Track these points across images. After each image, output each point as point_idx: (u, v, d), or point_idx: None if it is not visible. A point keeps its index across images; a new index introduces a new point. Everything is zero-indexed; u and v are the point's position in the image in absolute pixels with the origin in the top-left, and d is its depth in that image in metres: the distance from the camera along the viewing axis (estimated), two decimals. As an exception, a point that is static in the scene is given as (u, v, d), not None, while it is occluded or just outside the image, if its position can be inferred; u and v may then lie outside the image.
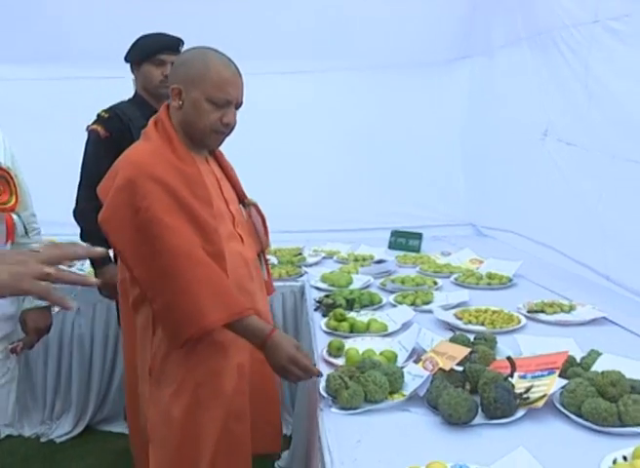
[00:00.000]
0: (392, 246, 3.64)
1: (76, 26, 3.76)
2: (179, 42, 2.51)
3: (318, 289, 2.78)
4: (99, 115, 2.54)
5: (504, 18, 3.44)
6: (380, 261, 3.24)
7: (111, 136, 2.44)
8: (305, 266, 3.24)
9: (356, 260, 3.29)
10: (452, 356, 1.59)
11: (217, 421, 1.65)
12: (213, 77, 1.60)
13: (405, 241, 3.61)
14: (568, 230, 2.94)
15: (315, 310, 2.43)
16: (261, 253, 1.90)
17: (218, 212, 1.67)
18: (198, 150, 1.72)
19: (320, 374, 1.57)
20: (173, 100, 1.66)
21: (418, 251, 3.52)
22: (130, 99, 2.59)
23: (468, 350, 1.60)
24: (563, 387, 1.46)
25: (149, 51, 2.48)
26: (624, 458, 1.22)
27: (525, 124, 3.24)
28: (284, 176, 3.81)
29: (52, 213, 2.55)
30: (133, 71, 2.57)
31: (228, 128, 1.67)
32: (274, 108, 3.72)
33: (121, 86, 2.70)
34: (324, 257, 3.46)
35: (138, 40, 2.54)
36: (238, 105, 1.68)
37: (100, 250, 1.07)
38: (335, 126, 3.96)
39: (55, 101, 3.87)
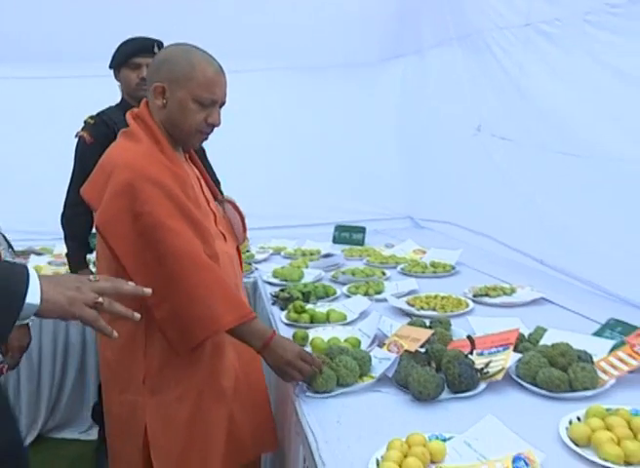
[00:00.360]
0: (336, 240, 3.75)
1: (61, 25, 3.63)
2: (153, 44, 2.52)
3: (271, 284, 2.84)
4: (85, 121, 2.60)
5: (434, 19, 3.60)
6: (327, 255, 3.33)
7: (96, 141, 2.47)
8: (255, 263, 3.29)
9: (304, 255, 3.37)
10: (415, 338, 1.69)
11: (222, 422, 1.67)
12: (199, 77, 1.56)
13: (349, 235, 3.72)
14: (503, 219, 3.13)
15: (273, 304, 2.49)
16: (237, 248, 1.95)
17: (204, 211, 1.68)
18: (178, 151, 1.70)
19: (319, 367, 1.58)
20: (155, 99, 1.61)
21: (362, 244, 3.64)
22: (117, 104, 2.63)
23: (431, 332, 1.72)
24: (518, 360, 1.60)
25: (125, 55, 2.52)
26: (578, 419, 1.35)
27: (458, 120, 3.41)
28: (225, 175, 3.82)
29: (39, 213, 2.52)
30: (116, 77, 2.60)
31: (212, 128, 1.65)
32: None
33: (108, 85, 2.67)
34: (272, 254, 3.51)
35: (118, 46, 2.58)
36: (222, 104, 1.66)
37: (147, 290, 1.11)
38: (276, 125, 4.03)
39: (41, 101, 3.75)
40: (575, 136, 2.44)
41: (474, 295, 2.45)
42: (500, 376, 1.56)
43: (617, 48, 2.20)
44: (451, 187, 3.68)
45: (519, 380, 1.57)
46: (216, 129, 4.08)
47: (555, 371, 1.50)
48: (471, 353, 1.65)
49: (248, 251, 3.52)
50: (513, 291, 2.48)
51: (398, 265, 3.02)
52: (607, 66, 2.24)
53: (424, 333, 1.70)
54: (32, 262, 3.24)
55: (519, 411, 1.47)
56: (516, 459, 1.16)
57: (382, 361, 1.69)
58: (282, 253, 3.50)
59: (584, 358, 1.57)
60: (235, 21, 3.84)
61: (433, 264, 2.95)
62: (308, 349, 1.90)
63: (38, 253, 3.50)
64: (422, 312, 2.26)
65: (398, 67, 4.13)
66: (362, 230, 3.70)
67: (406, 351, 1.66)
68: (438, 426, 1.39)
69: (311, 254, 3.38)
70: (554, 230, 2.67)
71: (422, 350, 1.69)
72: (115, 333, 1.05)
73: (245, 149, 4.02)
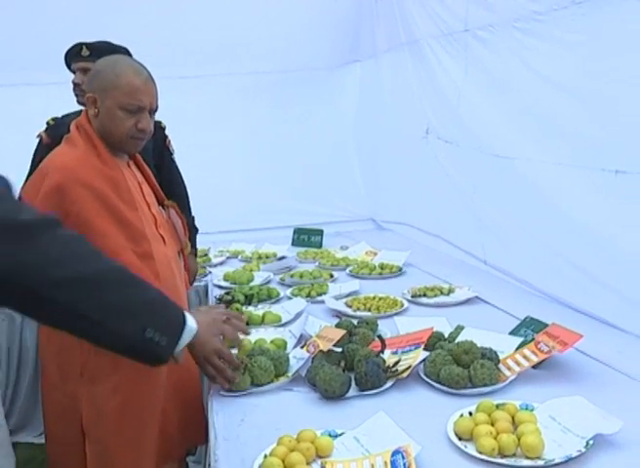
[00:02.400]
0: (295, 243, 3.79)
1: (22, 33, 3.66)
2: (80, 47, 2.55)
3: (221, 287, 2.89)
4: (47, 122, 2.64)
5: (386, 24, 3.66)
6: (281, 258, 3.38)
7: (52, 142, 2.49)
8: (210, 267, 3.34)
9: (260, 258, 3.42)
10: (330, 338, 1.74)
11: (154, 416, 1.71)
12: (123, 85, 1.66)
13: (307, 237, 3.77)
14: (451, 220, 3.19)
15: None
16: (181, 251, 1.99)
17: (142, 214, 1.74)
18: (119, 155, 1.78)
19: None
20: (89, 108, 1.72)
21: (319, 246, 3.69)
22: (84, 109, 2.65)
23: (344, 332, 1.77)
24: (425, 358, 1.65)
25: (66, 63, 2.59)
26: (470, 413, 1.41)
27: (410, 123, 3.47)
28: (187, 179, 3.87)
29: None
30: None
31: (144, 133, 1.72)
32: (173, 112, 3.76)
33: (62, 92, 2.71)
34: (229, 257, 3.56)
35: None
36: (153, 111, 1.74)
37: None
38: (234, 129, 4.07)
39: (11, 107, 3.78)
40: (505, 140, 2.50)
41: (412, 296, 2.50)
42: (405, 374, 1.61)
43: (542, 53, 2.26)
44: (406, 189, 3.74)
45: (424, 377, 1.63)
46: (175, 133, 4.09)
47: (456, 369, 1.56)
48: (382, 352, 1.70)
49: (205, 255, 3.56)
50: (451, 291, 2.53)
51: (348, 267, 3.07)
52: (534, 71, 2.30)
53: (338, 333, 1.75)
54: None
55: (421, 407, 1.53)
56: (395, 453, 1.21)
57: (299, 361, 1.74)
58: (239, 257, 3.55)
59: (489, 355, 1.63)
60: (195, 27, 3.88)
61: (381, 266, 3.00)
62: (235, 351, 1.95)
63: None
64: (357, 313, 2.31)
65: (356, 72, 4.19)
66: (320, 233, 3.75)
67: (320, 351, 1.71)
68: (340, 422, 1.44)
69: (267, 258, 3.42)
70: (493, 231, 2.73)
71: (339, 350, 1.75)
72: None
73: (206, 154, 4.04)
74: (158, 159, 2.68)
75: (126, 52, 2.58)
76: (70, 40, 2.63)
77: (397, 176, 3.84)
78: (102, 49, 2.58)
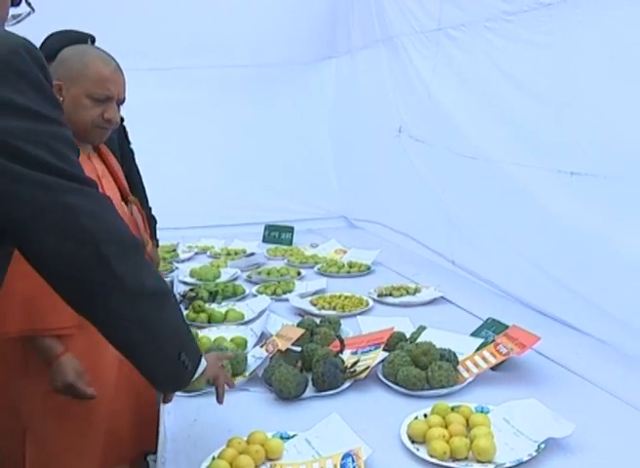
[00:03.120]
0: (266, 239, 3.76)
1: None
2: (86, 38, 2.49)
3: (185, 283, 2.85)
4: None
5: (362, 20, 3.64)
6: (250, 255, 3.34)
7: None
8: (177, 262, 3.29)
9: (228, 255, 3.38)
10: (289, 338, 1.72)
11: (101, 415, 1.67)
12: (92, 74, 1.62)
13: (278, 234, 3.74)
14: (422, 220, 3.18)
15: (179, 304, 2.50)
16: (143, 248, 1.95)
17: None
18: (82, 146, 1.70)
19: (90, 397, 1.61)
20: None
21: (290, 243, 3.66)
22: None
23: (302, 331, 1.75)
24: (384, 359, 1.64)
25: (54, 48, 2.47)
26: (425, 415, 1.40)
27: (384, 121, 3.45)
28: (157, 173, 3.80)
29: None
30: None
31: (111, 123, 1.68)
32: (145, 105, 3.70)
33: None
34: (197, 253, 3.51)
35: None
36: (120, 101, 1.70)
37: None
38: (208, 122, 4.01)
39: None
40: (470, 139, 2.50)
41: (379, 295, 2.49)
42: (363, 375, 1.59)
43: (510, 54, 2.26)
44: (378, 187, 3.73)
45: (382, 378, 1.61)
46: (149, 128, 4.02)
47: (414, 370, 1.55)
48: (341, 352, 1.69)
49: (174, 250, 3.52)
50: (417, 290, 2.53)
51: (316, 265, 3.05)
52: (501, 72, 2.30)
53: (298, 333, 1.73)
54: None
55: (377, 409, 1.51)
56: (345, 456, 1.19)
57: (257, 360, 1.71)
58: (208, 253, 3.51)
59: (447, 357, 1.62)
60: (171, 18, 3.82)
61: (350, 264, 2.98)
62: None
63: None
64: (322, 311, 2.29)
65: (331, 67, 4.16)
66: (290, 230, 3.72)
67: (278, 350, 1.69)
68: (295, 423, 1.42)
69: (236, 254, 3.39)
70: (461, 231, 2.73)
71: (298, 349, 1.72)
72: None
73: (178, 147, 4.00)
74: (120, 150, 2.63)
75: (92, 41, 2.52)
76: (36, 26, 2.56)
77: (370, 174, 3.83)
78: (70, 37, 2.51)
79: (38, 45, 2.41)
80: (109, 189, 1.82)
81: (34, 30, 2.48)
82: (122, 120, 2.84)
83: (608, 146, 1.83)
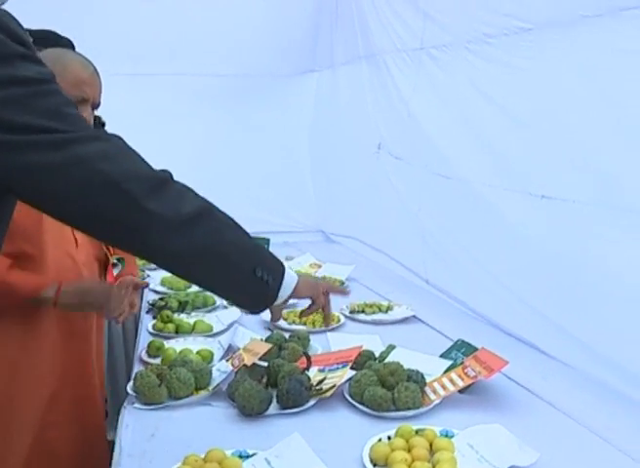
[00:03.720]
0: (241, 250, 3.72)
1: None
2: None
3: (156, 292, 2.79)
4: None
5: (345, 35, 3.64)
6: (224, 265, 3.30)
7: None
8: (149, 270, 3.23)
9: (202, 264, 3.33)
10: (256, 352, 1.69)
11: (29, 428, 1.61)
12: (68, 76, 1.59)
13: (253, 246, 3.70)
14: (397, 237, 3.18)
15: (147, 312, 2.45)
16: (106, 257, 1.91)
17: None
18: None
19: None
20: None
21: (265, 255, 3.62)
22: None
23: (269, 346, 1.72)
24: (350, 378, 1.61)
25: None
26: (389, 438, 1.37)
27: (363, 137, 3.45)
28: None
29: None
30: None
31: None
32: (123, 110, 3.66)
33: None
34: (170, 262, 3.46)
35: None
36: (95, 105, 1.69)
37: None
38: (186, 130, 3.97)
39: None
40: (447, 159, 2.51)
41: (351, 312, 2.46)
42: (329, 394, 1.57)
43: (489, 76, 2.27)
44: (356, 202, 3.71)
45: (349, 398, 1.58)
46: (129, 135, 3.97)
47: (380, 390, 1.52)
48: (307, 369, 1.66)
49: (146, 257, 3.46)
50: (390, 308, 2.51)
51: (290, 278, 3.01)
52: (480, 93, 2.31)
53: (264, 347, 1.70)
54: None
55: (341, 429, 1.48)
56: (304, 478, 1.16)
57: (222, 374, 1.68)
58: (181, 262, 3.45)
59: (415, 378, 1.60)
60: (150, 24, 3.79)
61: (324, 279, 2.95)
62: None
63: None
64: (292, 326, 2.26)
65: (312, 82, 4.15)
66: (266, 242, 3.67)
67: (244, 365, 1.65)
68: (256, 442, 1.38)
69: (209, 264, 3.34)
70: (436, 249, 2.73)
71: (264, 364, 1.69)
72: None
73: (155, 155, 3.92)
74: None
75: (70, 44, 2.48)
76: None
77: (348, 189, 3.81)
78: (47, 38, 2.49)
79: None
80: None
81: None
82: (103, 125, 2.80)
83: (579, 171, 1.84)
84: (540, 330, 2.05)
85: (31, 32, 2.44)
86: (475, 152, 2.30)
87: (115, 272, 1.91)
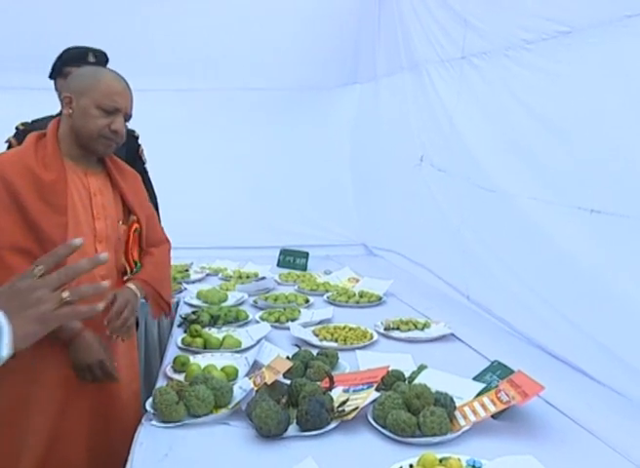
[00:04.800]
0: (281, 264, 3.69)
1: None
2: (86, 52, 2.51)
3: (191, 305, 2.78)
4: (17, 127, 2.56)
5: (388, 47, 3.59)
6: (261, 279, 3.27)
7: None
8: (187, 283, 3.23)
9: (240, 278, 3.31)
10: (277, 370, 1.63)
11: (40, 437, 1.63)
12: (103, 87, 1.69)
13: (293, 259, 3.67)
14: (439, 252, 3.08)
15: (179, 326, 2.43)
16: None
17: (73, 223, 1.68)
18: (84, 162, 1.76)
19: (116, 379, 1.70)
20: (64, 109, 1.73)
21: (304, 269, 3.58)
22: (56, 115, 2.57)
23: (290, 364, 1.65)
24: (375, 400, 1.53)
25: (58, 65, 2.52)
26: (410, 466, 1.29)
27: (405, 149, 3.37)
28: (175, 193, 3.79)
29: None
30: (55, 88, 2.57)
31: (117, 135, 1.73)
32: (164, 125, 3.71)
33: (42, 98, 2.65)
34: (208, 274, 3.46)
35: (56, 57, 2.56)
36: (127, 117, 1.77)
37: (103, 256, 0.95)
38: (228, 144, 3.99)
39: None
40: (489, 171, 2.40)
41: (385, 328, 2.38)
42: (351, 416, 1.49)
43: (527, 83, 2.17)
44: (397, 216, 3.63)
45: (372, 421, 1.50)
46: (169, 149, 4.03)
47: (404, 414, 1.44)
48: (330, 390, 1.59)
49: (186, 270, 3.47)
50: (426, 326, 2.41)
51: (326, 293, 2.95)
52: (519, 102, 2.21)
53: (285, 365, 1.63)
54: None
55: (363, 453, 1.41)
56: (313, 508, 1.09)
57: (243, 392, 1.62)
58: (220, 275, 3.45)
59: (443, 401, 1.50)
60: (192, 39, 3.84)
61: (361, 294, 2.88)
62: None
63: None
64: (323, 343, 2.19)
65: (354, 94, 4.11)
66: (305, 255, 3.64)
67: (265, 383, 1.59)
68: (273, 465, 1.33)
69: (247, 277, 3.32)
70: (477, 265, 2.61)
71: (286, 382, 1.63)
72: (101, 306, 0.93)
73: (198, 168, 3.99)
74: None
75: (105, 57, 2.56)
76: (48, 45, 2.58)
77: (390, 202, 3.74)
78: (104, 59, 2.55)
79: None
80: (101, 206, 1.79)
81: (39, 47, 2.52)
82: (137, 138, 2.83)
83: (631, 184, 1.71)
84: (587, 352, 1.91)
85: (94, 50, 2.52)
86: (518, 164, 2.19)
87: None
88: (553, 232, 2.02)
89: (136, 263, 1.86)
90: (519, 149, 2.20)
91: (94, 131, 1.69)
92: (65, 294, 0.89)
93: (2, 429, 1.63)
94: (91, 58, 2.52)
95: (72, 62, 2.49)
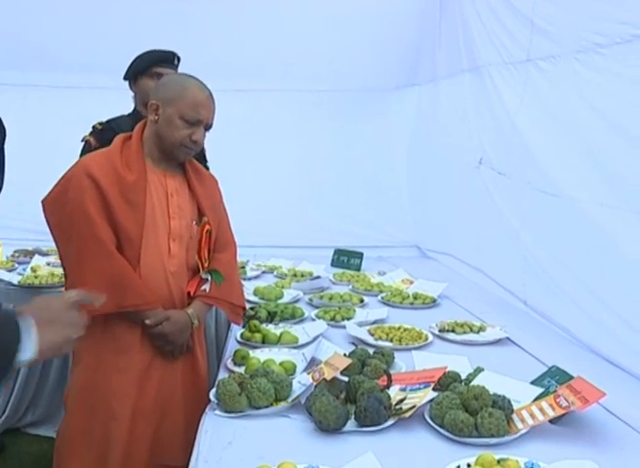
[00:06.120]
0: (334, 264, 3.73)
1: (73, 36, 3.82)
2: (172, 56, 2.61)
3: (248, 301, 2.84)
4: (94, 127, 2.65)
5: (448, 49, 3.58)
6: (316, 278, 3.32)
7: (101, 146, 2.49)
8: (244, 280, 3.30)
9: (295, 276, 3.37)
10: (336, 367, 1.67)
11: (117, 442, 1.76)
12: (188, 98, 1.79)
13: (347, 259, 3.70)
14: (496, 255, 3.06)
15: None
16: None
17: (150, 221, 1.80)
18: (163, 164, 1.88)
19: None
20: (150, 115, 1.84)
21: (358, 269, 3.61)
22: (129, 114, 2.68)
23: (349, 361, 1.69)
24: (432, 399, 1.55)
25: (145, 64, 2.60)
26: (468, 465, 1.30)
27: (464, 152, 3.36)
28: (233, 192, 3.88)
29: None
30: (131, 88, 2.67)
31: (196, 145, 1.84)
32: (226, 126, 3.77)
33: (117, 97, 2.77)
34: (264, 272, 3.53)
35: (136, 57, 2.65)
36: (208, 127, 1.86)
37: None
38: (287, 145, 4.06)
39: (51, 110, 3.95)
40: (553, 175, 2.37)
41: (440, 330, 2.39)
42: (408, 414, 1.51)
43: (599, 88, 2.14)
44: (454, 218, 3.62)
45: (428, 420, 1.52)
46: (228, 148, 4.12)
47: (462, 415, 1.45)
48: (388, 387, 1.61)
49: (242, 267, 3.55)
50: (482, 329, 2.41)
51: (380, 293, 2.98)
52: (589, 106, 2.18)
53: (344, 362, 1.67)
54: (34, 262, 3.36)
55: (419, 453, 1.42)
56: (373, 500, 1.12)
57: (302, 387, 1.67)
58: (275, 273, 3.51)
59: (501, 404, 1.51)
60: (255, 41, 3.92)
61: (415, 295, 2.89)
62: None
63: (44, 254, 3.62)
64: (379, 342, 2.22)
65: (413, 96, 4.11)
66: (360, 256, 3.67)
67: (324, 379, 1.63)
68: (331, 458, 1.36)
69: (302, 276, 3.37)
70: (537, 270, 2.59)
71: (345, 379, 1.67)
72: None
73: (256, 167, 4.07)
74: None
75: (177, 58, 2.65)
76: (124, 49, 2.69)
77: (446, 204, 3.73)
78: (179, 62, 2.65)
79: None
80: (178, 206, 1.88)
81: (116, 50, 2.64)
82: (206, 160, 2.92)
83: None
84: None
85: (177, 54, 2.63)
86: (585, 169, 2.16)
87: (206, 287, 1.95)
88: (619, 238, 1.99)
89: (213, 273, 1.94)
90: (588, 154, 2.17)
91: (176, 140, 1.80)
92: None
93: (92, 395, 1.78)
94: (176, 62, 2.64)
95: (161, 63, 2.58)
